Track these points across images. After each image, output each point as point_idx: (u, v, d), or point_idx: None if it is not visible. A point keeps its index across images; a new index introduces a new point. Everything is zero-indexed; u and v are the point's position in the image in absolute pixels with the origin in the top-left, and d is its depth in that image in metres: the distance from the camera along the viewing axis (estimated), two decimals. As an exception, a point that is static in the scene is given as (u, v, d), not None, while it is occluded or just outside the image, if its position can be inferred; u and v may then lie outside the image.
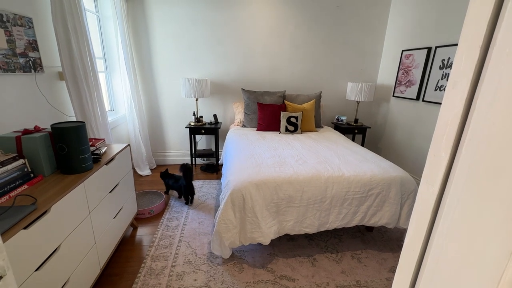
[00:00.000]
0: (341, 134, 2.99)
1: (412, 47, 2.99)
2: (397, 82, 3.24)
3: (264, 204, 1.68)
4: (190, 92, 2.98)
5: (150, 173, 3.22)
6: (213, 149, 3.52)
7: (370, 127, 3.49)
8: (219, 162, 3.16)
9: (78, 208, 1.29)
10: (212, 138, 3.57)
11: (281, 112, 2.97)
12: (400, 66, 3.18)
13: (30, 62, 1.64)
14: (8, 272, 0.46)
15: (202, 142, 3.61)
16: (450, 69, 2.44)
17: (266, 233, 1.68)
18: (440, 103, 2.37)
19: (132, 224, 2.12)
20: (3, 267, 0.46)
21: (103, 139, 1.80)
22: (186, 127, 3.12)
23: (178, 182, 2.56)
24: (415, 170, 2.93)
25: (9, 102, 1.50)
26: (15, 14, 1.52)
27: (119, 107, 3.10)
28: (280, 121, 2.98)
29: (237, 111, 3.36)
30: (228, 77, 3.36)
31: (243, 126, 3.22)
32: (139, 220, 2.27)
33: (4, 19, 1.45)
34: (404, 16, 3.12)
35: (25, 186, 1.18)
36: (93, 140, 1.72)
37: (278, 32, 3.27)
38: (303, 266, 1.78)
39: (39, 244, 1.02)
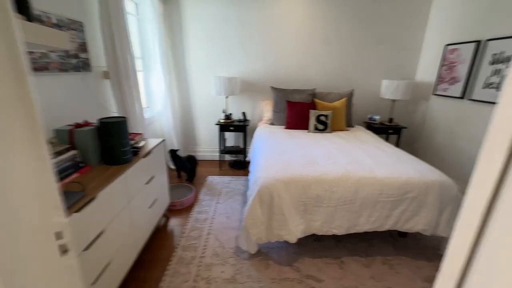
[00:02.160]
0: (374, 134, 2.86)
1: (458, 41, 2.75)
2: (439, 79, 3.00)
3: (292, 203, 1.68)
4: (221, 90, 3.05)
5: (181, 168, 3.37)
6: (241, 146, 3.58)
7: (406, 127, 3.29)
8: (246, 159, 3.20)
9: (120, 197, 1.40)
10: (240, 135, 3.63)
11: (311, 110, 2.92)
12: (443, 62, 2.94)
13: (81, 62, 1.81)
14: (71, 247, 0.52)
15: (231, 139, 3.69)
16: (504, 64, 2.21)
17: (293, 232, 1.68)
18: (489, 102, 2.16)
19: (164, 215, 2.25)
20: (68, 244, 0.52)
21: (141, 133, 1.93)
22: (216, 124, 3.21)
23: (185, 164, 2.94)
24: (456, 174, 2.69)
25: (64, 98, 1.67)
26: (69, 19, 1.69)
27: (154, 104, 3.29)
28: (309, 119, 2.93)
29: (266, 109, 3.37)
30: (258, 75, 3.38)
31: (271, 124, 3.23)
32: (171, 211, 2.39)
33: (61, 24, 1.62)
34: (449, 7, 2.88)
35: (76, 175, 1.31)
36: (132, 134, 1.85)
37: (308, 29, 3.21)
38: (330, 268, 1.75)
39: (87, 227, 1.13)
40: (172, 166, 3.28)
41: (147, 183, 1.76)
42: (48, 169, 0.54)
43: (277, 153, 2.13)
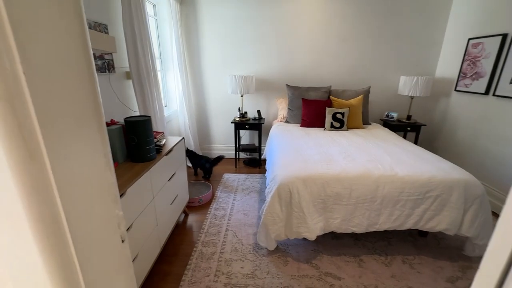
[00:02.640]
0: (391, 132, 2.81)
1: (482, 35, 2.65)
2: (461, 74, 2.90)
3: (311, 200, 1.68)
4: (236, 89, 3.09)
5: (198, 165, 3.43)
6: (256, 144, 3.60)
7: (425, 125, 3.20)
8: (261, 157, 3.22)
9: (146, 193, 1.46)
10: (255, 133, 3.65)
11: (327, 108, 2.90)
12: (466, 57, 2.84)
13: (106, 63, 1.88)
14: (125, 237, 0.56)
15: (246, 137, 3.72)
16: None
17: (312, 229, 1.68)
18: (517, 98, 2.04)
19: (184, 211, 2.31)
20: (125, 234, 0.56)
21: (163, 132, 1.99)
22: (231, 122, 3.25)
23: (201, 161, 3.03)
24: (479, 174, 2.61)
25: (90, 98, 1.74)
26: (95, 22, 1.76)
27: (171, 103, 3.36)
28: (325, 117, 2.91)
29: (281, 107, 3.38)
30: (272, 73, 3.39)
31: (287, 122, 3.23)
32: (189, 207, 2.45)
33: (88, 27, 1.68)
34: (472, 0, 2.77)
35: (105, 171, 1.38)
36: (155, 132, 1.91)
37: (324, 26, 3.18)
38: (349, 266, 1.75)
39: (118, 221, 1.19)
40: (189, 164, 3.35)
41: (169, 180, 1.82)
42: (110, 165, 0.58)
43: (294, 150, 2.14)
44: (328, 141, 2.41)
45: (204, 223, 2.21)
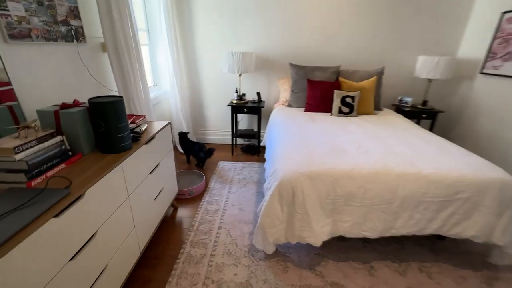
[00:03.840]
0: (407, 119, 2.51)
1: (520, 7, 2.27)
2: (490, 54, 2.55)
3: (318, 201, 1.42)
4: (233, 67, 2.74)
5: (191, 151, 3.16)
6: (255, 130, 3.31)
7: (443, 111, 2.89)
8: (261, 144, 2.95)
9: (116, 191, 1.19)
10: (254, 117, 3.34)
11: (335, 90, 2.58)
12: (498, 34, 2.47)
13: (72, 31, 1.54)
14: None
15: (244, 121, 3.42)
16: None
17: (318, 234, 1.44)
18: None
19: (172, 205, 2.06)
20: None
21: (144, 116, 1.69)
22: (228, 105, 2.93)
23: (194, 148, 2.73)
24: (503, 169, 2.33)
25: (50, 73, 1.42)
26: (54, -23, 1.40)
27: (162, 83, 3.02)
28: (332, 101, 2.60)
29: (283, 89, 3.04)
30: (275, 51, 3.02)
31: (289, 105, 2.92)
32: (179, 200, 2.21)
33: (42, -19, 1.33)
34: (512, -35, 2.36)
35: (63, 165, 1.10)
36: (134, 117, 1.61)
37: (336, -5, 2.77)
38: (358, 274, 1.52)
39: (73, 232, 0.93)
40: (181, 150, 3.08)
41: (151, 172, 1.54)
42: None
43: (298, 139, 1.85)
44: (337, 129, 2.12)
45: (195, 219, 1.98)
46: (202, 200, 2.21)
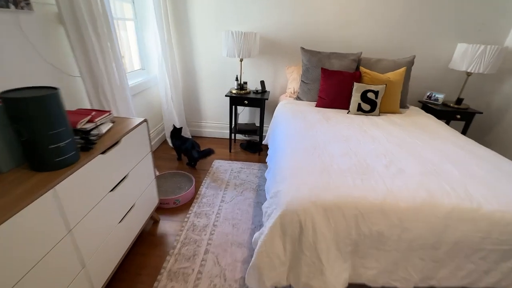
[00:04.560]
0: (440, 121, 2.07)
1: None
2: (553, 44, 2.05)
3: (334, 241, 1.04)
4: (233, 50, 2.29)
5: (184, 147, 2.78)
6: (257, 124, 2.90)
7: (481, 112, 2.43)
8: (263, 142, 2.55)
9: (46, 228, 0.82)
10: (256, 110, 2.92)
11: (355, 83, 2.13)
12: None
13: (7, -8, 1.12)
14: None
15: (245, 113, 3.00)
16: None
17: (332, 283, 1.07)
18: None
19: (152, 217, 1.71)
20: None
21: (109, 111, 1.29)
22: (226, 96, 2.50)
23: (186, 145, 2.34)
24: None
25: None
26: None
27: (151, 66, 2.60)
28: (350, 95, 2.16)
29: (291, 78, 2.60)
30: (283, 32, 2.54)
31: (298, 98, 2.48)
32: (162, 210, 1.85)
33: None
34: None
35: (-45, 195, 0.72)
36: (93, 113, 1.21)
37: (362, -36, 2.25)
38: (380, 330, 1.17)
39: None
40: (171, 145, 2.70)
41: (113, 189, 1.17)
42: None
43: (309, 147, 1.45)
44: (357, 132, 1.70)
45: (177, 237, 1.62)
46: (190, 211, 1.85)
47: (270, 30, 2.54)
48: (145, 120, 1.43)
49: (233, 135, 2.81)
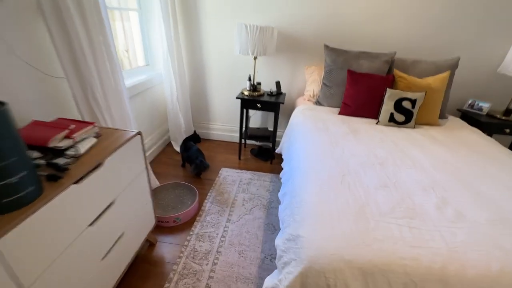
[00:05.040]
0: (489, 138, 1.74)
1: None
2: None
3: (374, 316, 0.78)
4: (247, 46, 2.01)
5: (189, 151, 2.55)
6: (270, 129, 2.63)
7: (536, 127, 2.07)
8: (276, 151, 2.28)
9: (-18, 300, 0.60)
10: (270, 114, 2.65)
11: (387, 89, 1.82)
12: None
13: (-34, -27, 0.89)
14: None
15: (257, 116, 2.73)
16: None
17: None
18: None
19: (148, 240, 1.50)
20: None
21: (93, 123, 1.05)
22: (237, 98, 2.24)
23: (196, 158, 2.08)
24: None
25: None
26: None
27: (157, 62, 2.36)
28: (381, 103, 1.85)
29: (311, 80, 2.30)
30: (304, 27, 2.23)
31: (317, 103, 2.19)
32: (160, 229, 1.63)
33: None
34: None
35: None
36: (72, 127, 0.98)
37: None
38: None
39: None
40: (177, 149, 2.49)
41: (93, 223, 0.95)
42: None
43: (336, 172, 1.18)
44: (392, 152, 1.41)
45: (175, 266, 1.40)
46: (191, 232, 1.63)
47: (289, 24, 2.24)
48: (139, 133, 1.19)
49: (243, 140, 2.55)
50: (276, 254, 1.03)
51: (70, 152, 0.90)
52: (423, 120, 1.87)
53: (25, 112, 1.10)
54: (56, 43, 1.15)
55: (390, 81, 1.88)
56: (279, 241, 1.05)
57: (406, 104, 1.77)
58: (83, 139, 0.99)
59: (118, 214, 1.10)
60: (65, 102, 1.31)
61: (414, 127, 1.82)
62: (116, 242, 1.11)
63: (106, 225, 1.02)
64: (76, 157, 0.91)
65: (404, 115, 1.79)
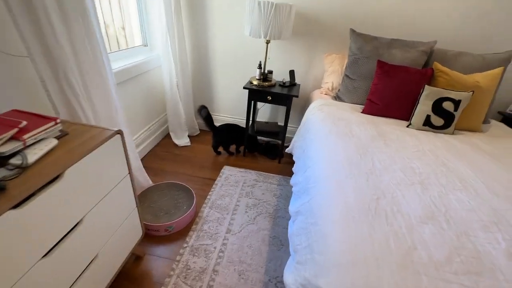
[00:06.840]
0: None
1: None
2: None
3: None
4: (259, 28, 1.71)
5: (189, 144, 2.31)
6: (280, 123, 2.36)
7: None
8: (287, 150, 2.02)
9: None
10: (280, 107, 2.37)
11: (425, 85, 1.51)
12: None
13: None
14: None
15: (266, 108, 2.46)
16: None
17: None
18: None
19: (134, 253, 1.28)
20: None
21: (55, 119, 0.80)
22: (244, 88, 1.96)
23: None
24: None
25: None
26: None
27: (155, 42, 2.07)
28: (415, 102, 1.56)
29: (331, 70, 1.99)
30: (327, 7, 1.90)
31: (337, 97, 1.90)
32: (150, 237, 1.42)
33: None
34: None
35: None
36: (23, 124, 0.73)
37: None
38: None
39: None
40: (177, 142, 2.25)
41: (47, 254, 0.72)
42: None
43: (368, 197, 0.92)
44: (433, 166, 1.14)
45: (165, 286, 1.19)
46: (185, 244, 1.41)
47: (309, 2, 1.91)
48: (119, 132, 0.94)
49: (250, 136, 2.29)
50: (282, 276, 0.80)
51: (15, 161, 0.66)
52: (463, 125, 1.57)
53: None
54: (13, 12, 0.89)
55: (428, 75, 1.57)
56: (289, 278, 0.82)
57: (448, 106, 1.47)
58: (38, 141, 0.74)
59: (88, 235, 0.87)
60: (34, 87, 1.06)
61: (452, 133, 1.53)
62: (87, 267, 0.89)
63: (70, 251, 0.80)
64: (22, 168, 0.67)
65: (444, 119, 1.49)
